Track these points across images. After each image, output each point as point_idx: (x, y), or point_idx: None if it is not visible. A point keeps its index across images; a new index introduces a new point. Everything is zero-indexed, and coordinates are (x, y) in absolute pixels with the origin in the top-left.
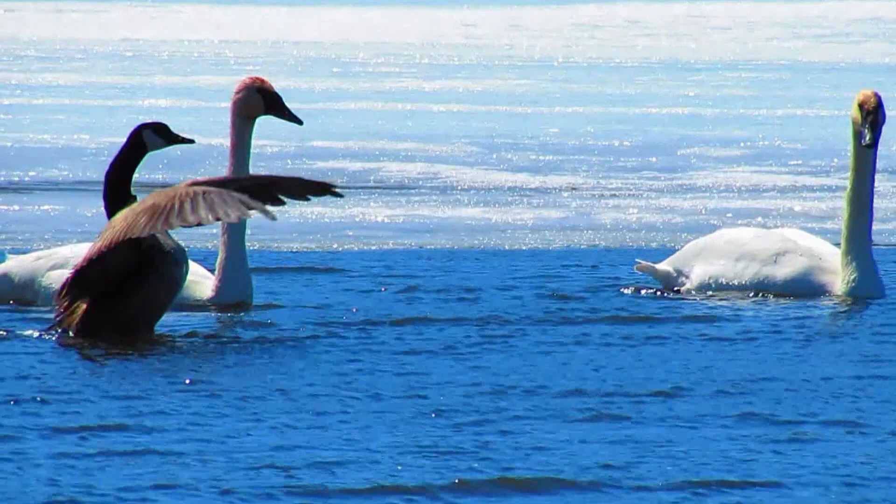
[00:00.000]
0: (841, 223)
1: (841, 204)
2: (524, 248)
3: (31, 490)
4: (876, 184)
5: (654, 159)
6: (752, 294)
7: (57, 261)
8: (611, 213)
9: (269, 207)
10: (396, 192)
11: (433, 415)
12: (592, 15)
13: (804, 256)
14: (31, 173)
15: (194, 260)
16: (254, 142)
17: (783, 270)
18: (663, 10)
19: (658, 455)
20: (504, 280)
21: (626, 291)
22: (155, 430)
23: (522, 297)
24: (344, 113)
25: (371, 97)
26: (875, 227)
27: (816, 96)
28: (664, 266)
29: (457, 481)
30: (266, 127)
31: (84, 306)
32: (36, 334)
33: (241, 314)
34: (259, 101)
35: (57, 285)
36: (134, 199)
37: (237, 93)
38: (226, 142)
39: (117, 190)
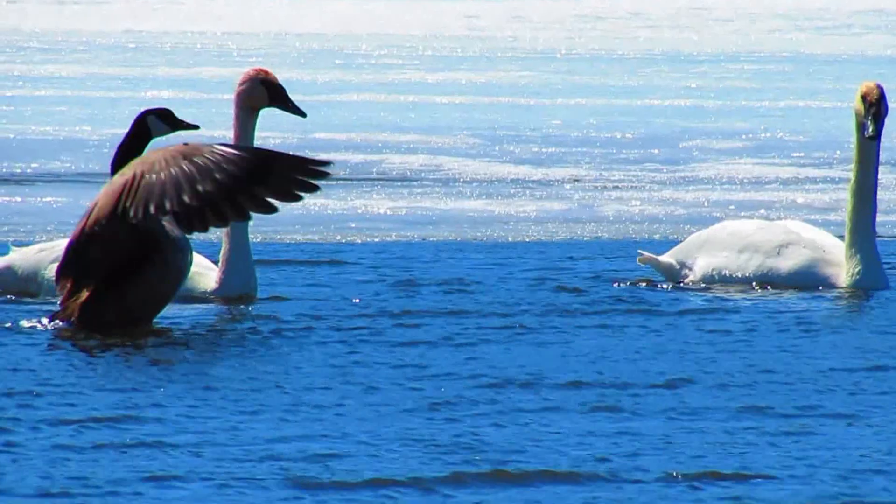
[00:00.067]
0: (844, 215)
1: (843, 196)
2: (527, 240)
3: (27, 482)
4: (879, 175)
5: (656, 151)
6: (755, 286)
7: (59, 253)
8: (613, 205)
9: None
10: (399, 183)
11: (431, 407)
12: (595, 6)
13: (807, 248)
14: (34, 165)
15: (197, 251)
16: (256, 133)
17: (787, 263)
18: (665, 2)
19: (658, 447)
20: (506, 272)
21: (628, 283)
22: (152, 422)
23: (524, 289)
24: (346, 105)
25: (374, 89)
26: (879, 218)
27: (819, 88)
28: (667, 258)
29: (454, 473)
30: (268, 119)
31: (86, 293)
32: (37, 325)
33: (244, 306)
34: (263, 92)
35: None
36: None
37: (241, 84)
38: (228, 133)
39: None
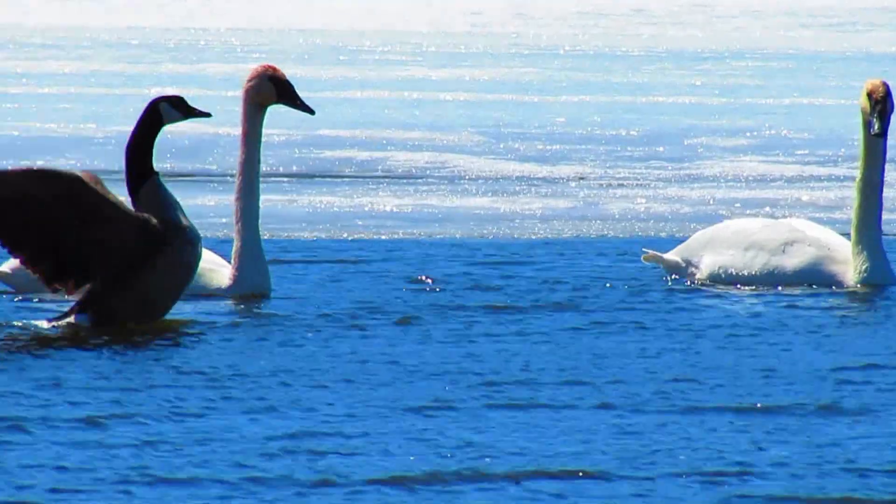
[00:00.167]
0: (850, 213)
1: (849, 193)
2: (533, 237)
3: (37, 478)
4: (885, 173)
5: (661, 149)
6: (761, 284)
7: None
8: (619, 203)
9: None
10: (404, 181)
11: (438, 405)
12: (598, 3)
13: (813, 246)
14: (39, 162)
15: (207, 247)
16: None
17: (792, 261)
18: None
19: (663, 445)
20: (512, 270)
21: (633, 281)
22: (160, 420)
23: (530, 287)
24: (351, 102)
25: (378, 86)
26: (885, 216)
27: (824, 85)
28: (672, 256)
29: (460, 472)
30: (273, 115)
31: (100, 289)
32: (54, 324)
33: (254, 304)
34: (271, 89)
35: None
36: (156, 174)
37: (249, 81)
38: (233, 130)
39: (137, 164)
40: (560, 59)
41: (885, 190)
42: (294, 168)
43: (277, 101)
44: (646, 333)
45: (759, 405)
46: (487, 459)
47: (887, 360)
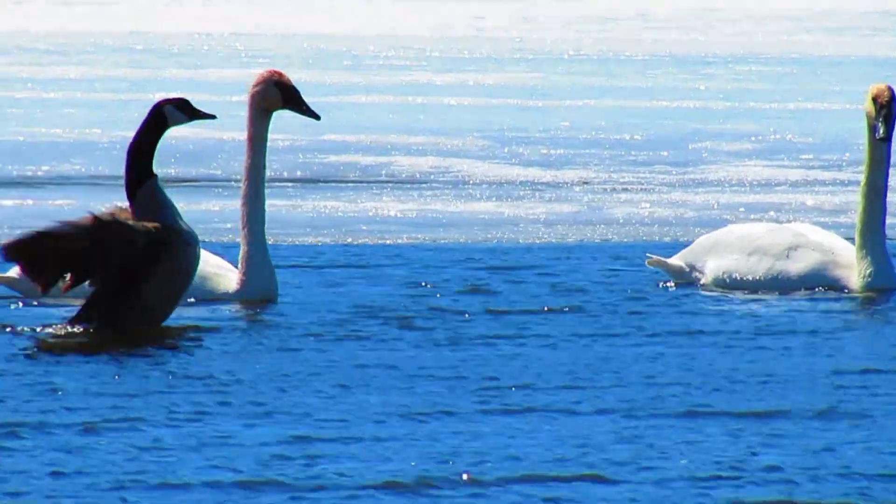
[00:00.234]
0: (854, 217)
1: (853, 198)
2: (537, 242)
3: (33, 484)
4: (890, 177)
5: (665, 153)
6: (765, 289)
7: None
8: (623, 208)
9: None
10: (408, 186)
11: (442, 409)
12: (602, 8)
13: (816, 251)
14: (45, 167)
15: (213, 252)
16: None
17: (796, 265)
18: (673, 4)
19: (666, 449)
20: (516, 274)
21: (637, 286)
22: (163, 426)
23: (534, 292)
24: (355, 106)
25: (382, 90)
26: (889, 220)
27: (827, 90)
28: (676, 260)
29: (461, 476)
30: (277, 120)
31: (102, 294)
32: (59, 329)
33: (256, 310)
34: (277, 94)
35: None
36: (155, 176)
37: (255, 86)
38: (238, 135)
39: (138, 165)
40: (564, 63)
41: (889, 194)
42: (298, 173)
43: (283, 107)
44: (649, 338)
45: (759, 410)
46: (487, 464)
47: (890, 365)
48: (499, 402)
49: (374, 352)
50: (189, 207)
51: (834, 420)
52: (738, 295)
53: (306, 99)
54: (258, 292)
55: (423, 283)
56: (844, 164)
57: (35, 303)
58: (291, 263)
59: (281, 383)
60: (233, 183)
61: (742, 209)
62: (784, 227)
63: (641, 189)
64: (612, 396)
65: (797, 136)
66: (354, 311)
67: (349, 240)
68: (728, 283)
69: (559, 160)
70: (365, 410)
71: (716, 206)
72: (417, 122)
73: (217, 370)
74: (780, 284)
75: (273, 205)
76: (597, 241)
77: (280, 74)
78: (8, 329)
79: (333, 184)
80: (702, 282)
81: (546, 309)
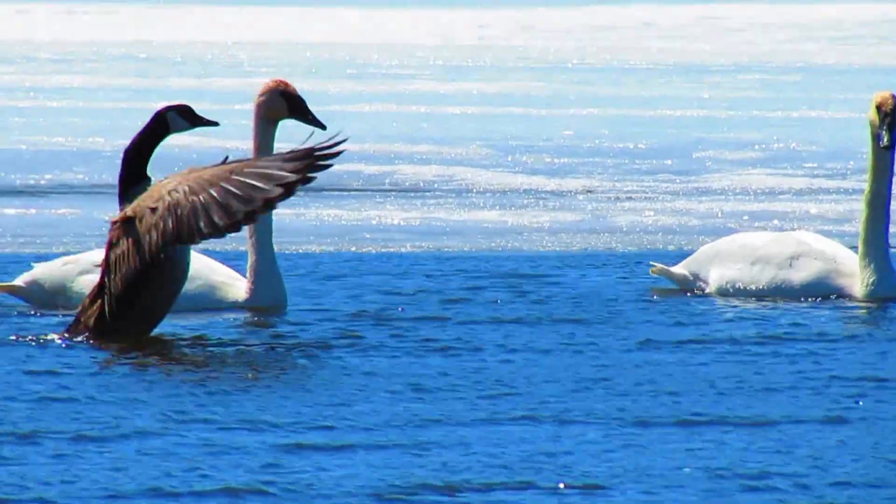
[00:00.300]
0: (858, 226)
1: (857, 206)
2: (541, 250)
3: (30, 491)
4: (894, 186)
5: (669, 162)
6: (768, 297)
7: (85, 265)
8: (627, 216)
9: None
10: (412, 194)
11: (446, 417)
12: (606, 17)
13: (819, 260)
14: (48, 176)
15: (220, 261)
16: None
17: (799, 274)
18: (677, 12)
19: (668, 457)
20: (520, 283)
21: (640, 294)
22: (164, 434)
23: (538, 300)
24: (358, 115)
25: (385, 99)
26: (893, 229)
27: (831, 98)
28: (679, 269)
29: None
30: (281, 129)
31: (97, 306)
32: (54, 339)
33: (262, 318)
34: (282, 104)
35: (88, 289)
36: (149, 179)
37: (261, 95)
38: (241, 144)
39: (133, 167)
40: (568, 72)
41: (893, 203)
42: None
43: (289, 116)
44: (652, 347)
45: (762, 419)
46: (488, 471)
47: (893, 374)
48: (505, 410)
49: (379, 360)
50: None
51: (836, 429)
52: (742, 303)
53: (311, 108)
54: (267, 301)
55: (429, 291)
56: (848, 172)
57: (44, 312)
58: (294, 272)
59: (280, 391)
60: None
61: (746, 217)
62: (787, 235)
63: (645, 198)
64: (615, 405)
65: (801, 144)
66: (356, 320)
67: (352, 248)
68: (731, 292)
69: (563, 169)
70: (371, 418)
71: (720, 215)
72: (421, 130)
73: (215, 376)
74: (783, 293)
75: (276, 213)
76: (601, 249)
77: (286, 84)
78: (14, 337)
79: (337, 192)
80: (705, 290)
81: (548, 317)
